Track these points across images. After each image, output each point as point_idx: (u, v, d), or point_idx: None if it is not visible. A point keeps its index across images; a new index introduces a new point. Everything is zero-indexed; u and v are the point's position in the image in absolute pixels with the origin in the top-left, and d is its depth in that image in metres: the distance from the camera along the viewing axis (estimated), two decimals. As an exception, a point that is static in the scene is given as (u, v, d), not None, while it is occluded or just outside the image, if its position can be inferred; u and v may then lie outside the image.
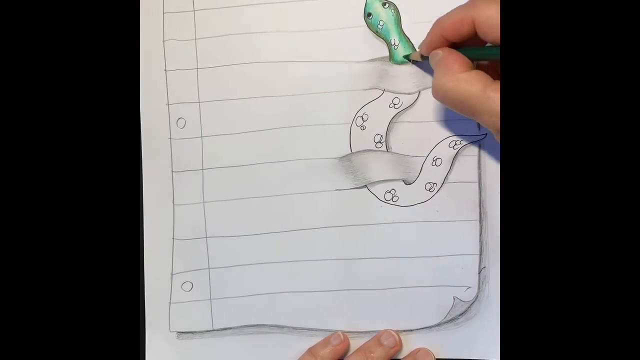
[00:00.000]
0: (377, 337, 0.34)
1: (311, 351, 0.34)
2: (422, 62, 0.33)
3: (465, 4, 0.29)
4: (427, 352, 0.34)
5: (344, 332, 0.34)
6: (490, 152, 0.34)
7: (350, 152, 0.34)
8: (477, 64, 0.30)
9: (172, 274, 0.35)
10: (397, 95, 0.34)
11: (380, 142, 0.34)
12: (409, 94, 0.34)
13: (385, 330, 0.34)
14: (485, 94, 0.27)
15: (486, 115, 0.28)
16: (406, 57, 0.34)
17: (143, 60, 0.35)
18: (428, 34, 0.31)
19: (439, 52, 0.30)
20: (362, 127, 0.34)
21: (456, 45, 0.30)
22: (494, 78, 0.28)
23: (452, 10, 0.29)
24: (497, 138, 0.29)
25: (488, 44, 0.29)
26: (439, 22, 0.30)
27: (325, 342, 0.34)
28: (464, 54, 0.29)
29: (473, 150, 0.34)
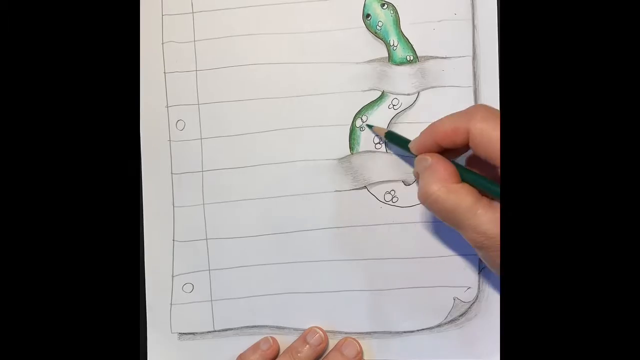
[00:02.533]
0: (303, 336, 0.34)
1: (241, 357, 0.34)
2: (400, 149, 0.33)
3: (463, 112, 0.29)
4: (351, 342, 0.34)
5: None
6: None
7: (349, 153, 0.34)
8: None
9: (172, 276, 0.35)
10: (396, 96, 0.34)
11: (379, 143, 0.34)
12: (408, 94, 0.34)
13: (310, 328, 0.34)
14: (473, 209, 0.27)
15: (471, 231, 0.27)
16: (388, 136, 0.33)
17: (142, 63, 0.35)
18: (421, 135, 0.30)
19: (428, 158, 0.29)
20: (362, 128, 0.34)
21: (446, 151, 0.30)
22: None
23: (448, 117, 0.29)
24: (479, 254, 0.29)
25: (474, 171, 0.29)
26: (433, 127, 0.30)
27: (255, 348, 0.34)
28: (459, 169, 0.29)
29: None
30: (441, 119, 0.29)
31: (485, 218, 0.27)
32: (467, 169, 0.29)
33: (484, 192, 0.28)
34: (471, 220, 0.27)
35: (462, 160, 0.31)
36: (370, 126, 0.34)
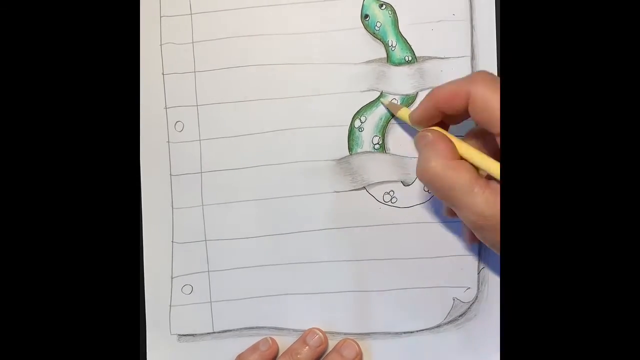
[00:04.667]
0: (303, 338, 0.34)
1: (240, 358, 0.34)
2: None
3: (463, 78, 0.28)
4: (350, 343, 0.34)
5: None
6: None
7: (348, 154, 0.34)
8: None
9: (172, 277, 0.35)
10: (394, 96, 0.34)
11: (378, 143, 0.34)
12: (406, 95, 0.34)
13: (310, 330, 0.34)
14: (470, 187, 0.27)
15: (466, 210, 0.27)
16: (391, 115, 0.33)
17: (141, 64, 0.35)
18: (422, 102, 0.30)
19: (428, 134, 0.29)
20: (360, 129, 0.34)
21: (446, 118, 0.30)
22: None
23: (450, 82, 0.29)
24: (476, 234, 0.28)
25: (473, 148, 0.29)
26: (434, 91, 0.29)
27: (254, 348, 0.34)
28: (458, 144, 0.29)
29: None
30: (441, 85, 0.29)
31: (482, 198, 0.26)
32: (467, 145, 0.29)
33: (483, 169, 0.28)
34: (467, 199, 0.27)
35: (462, 133, 0.31)
36: (383, 100, 0.34)
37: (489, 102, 0.26)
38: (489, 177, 0.28)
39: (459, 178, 0.27)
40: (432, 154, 0.28)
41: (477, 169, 0.28)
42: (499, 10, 0.34)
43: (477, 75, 0.28)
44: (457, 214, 0.28)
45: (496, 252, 0.28)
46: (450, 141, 0.29)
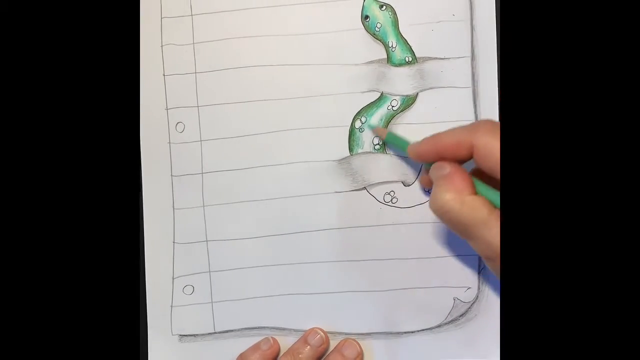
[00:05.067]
0: (304, 337, 0.34)
1: (242, 357, 0.34)
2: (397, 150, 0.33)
3: (466, 127, 0.28)
4: (351, 343, 0.34)
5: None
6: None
7: (349, 154, 0.34)
8: None
9: (173, 278, 0.35)
10: (395, 97, 0.34)
11: (378, 144, 0.34)
12: (407, 95, 0.34)
13: (311, 329, 0.34)
14: (486, 222, 0.27)
15: (481, 243, 0.27)
16: (390, 143, 0.34)
17: (141, 65, 0.35)
18: (423, 142, 0.30)
19: (446, 166, 0.29)
20: (361, 130, 0.34)
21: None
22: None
23: (452, 130, 0.29)
24: (488, 265, 0.29)
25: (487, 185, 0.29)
26: (437, 138, 0.29)
27: (255, 347, 0.34)
28: (474, 181, 0.28)
29: (471, 151, 0.34)
30: (445, 131, 0.29)
31: (495, 231, 0.26)
32: (481, 182, 0.29)
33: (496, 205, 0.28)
34: (483, 233, 0.27)
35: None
36: (372, 127, 0.34)
37: (492, 151, 0.27)
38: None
39: (477, 213, 0.27)
40: (449, 187, 0.28)
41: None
42: (499, 10, 0.34)
43: (480, 125, 0.28)
44: (471, 245, 0.28)
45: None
46: (468, 176, 0.28)
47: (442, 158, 0.29)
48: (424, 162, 0.31)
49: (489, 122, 0.28)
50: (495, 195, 0.28)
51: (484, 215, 0.27)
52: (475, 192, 0.28)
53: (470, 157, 0.28)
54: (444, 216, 0.28)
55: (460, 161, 0.29)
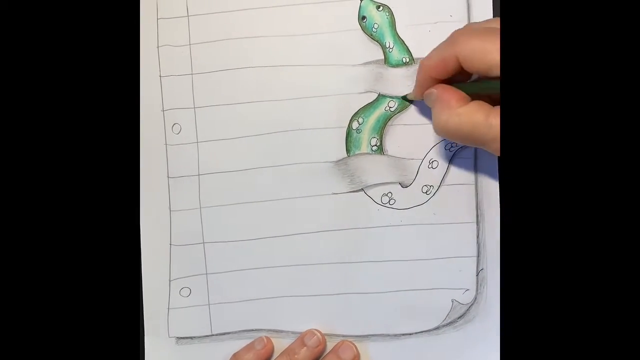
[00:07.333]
0: (301, 338, 0.34)
1: (235, 356, 0.34)
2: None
3: (446, 42, 0.29)
4: (348, 345, 0.34)
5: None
6: (486, 155, 0.33)
7: (346, 155, 0.34)
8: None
9: (170, 280, 0.35)
10: (392, 98, 0.34)
11: (376, 145, 0.34)
12: (404, 96, 0.34)
13: (308, 330, 0.34)
14: (488, 122, 0.27)
15: (492, 142, 0.28)
16: (404, 98, 0.34)
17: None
18: (416, 77, 0.31)
19: (433, 90, 0.30)
20: (358, 131, 0.34)
21: (446, 81, 0.30)
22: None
23: (433, 50, 0.30)
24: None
25: (474, 76, 0.30)
26: (423, 64, 0.30)
27: (249, 347, 0.34)
28: (464, 87, 0.29)
29: (469, 152, 0.34)
30: (428, 54, 0.30)
31: (499, 128, 0.27)
32: (470, 83, 0.29)
33: (493, 95, 0.28)
34: (489, 133, 0.27)
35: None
36: (405, 97, 0.34)
37: (480, 52, 0.27)
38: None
39: (475, 118, 0.28)
40: (442, 107, 0.29)
41: (488, 98, 0.28)
42: (496, 11, 0.34)
43: (457, 36, 0.28)
44: (485, 149, 0.29)
45: None
46: (456, 91, 0.29)
47: (438, 80, 0.30)
48: (425, 90, 0.31)
49: (464, 30, 0.29)
50: (488, 84, 0.28)
51: (481, 119, 0.28)
52: (469, 101, 0.29)
53: (460, 66, 0.29)
54: (449, 134, 0.29)
55: (455, 74, 0.29)
